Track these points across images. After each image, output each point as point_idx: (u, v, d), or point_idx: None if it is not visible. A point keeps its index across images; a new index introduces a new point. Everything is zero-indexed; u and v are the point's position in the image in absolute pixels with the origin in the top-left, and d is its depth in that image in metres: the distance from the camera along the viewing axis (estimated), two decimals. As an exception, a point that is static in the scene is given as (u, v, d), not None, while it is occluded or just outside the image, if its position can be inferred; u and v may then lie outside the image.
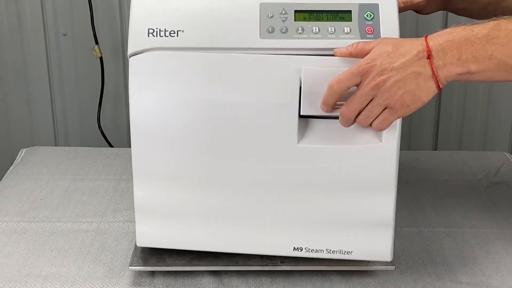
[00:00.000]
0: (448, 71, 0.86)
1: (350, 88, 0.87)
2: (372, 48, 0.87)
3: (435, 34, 0.87)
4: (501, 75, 0.86)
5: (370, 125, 0.89)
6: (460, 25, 0.87)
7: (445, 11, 1.18)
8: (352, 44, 0.89)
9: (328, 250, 0.97)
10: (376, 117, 0.88)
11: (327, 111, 0.90)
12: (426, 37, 0.87)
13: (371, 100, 0.87)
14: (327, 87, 0.88)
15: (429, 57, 0.85)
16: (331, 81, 0.87)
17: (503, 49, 0.84)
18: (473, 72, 0.86)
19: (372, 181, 0.93)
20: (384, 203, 0.94)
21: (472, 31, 0.85)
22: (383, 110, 0.87)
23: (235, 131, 0.93)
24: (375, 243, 0.96)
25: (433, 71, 0.85)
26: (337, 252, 0.97)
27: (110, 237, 1.12)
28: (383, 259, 0.97)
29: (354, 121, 0.90)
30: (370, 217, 0.95)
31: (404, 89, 0.85)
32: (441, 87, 0.87)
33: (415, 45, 0.86)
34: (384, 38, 0.90)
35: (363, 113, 0.88)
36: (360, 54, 0.88)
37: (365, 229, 0.95)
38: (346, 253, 0.97)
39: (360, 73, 0.86)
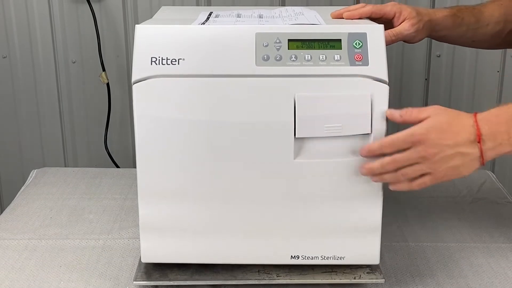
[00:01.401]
0: (498, 151, 0.88)
1: (398, 151, 0.88)
2: (425, 118, 0.88)
3: (484, 115, 0.88)
4: None
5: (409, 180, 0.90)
6: (504, 105, 0.88)
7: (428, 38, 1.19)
8: (407, 110, 0.89)
9: (323, 257, 0.97)
10: (416, 179, 0.89)
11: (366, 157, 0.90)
12: (476, 118, 0.87)
13: (416, 163, 0.88)
14: (379, 144, 0.89)
15: (479, 141, 0.86)
16: (385, 141, 0.88)
17: None
18: None
19: (361, 191, 0.94)
20: (372, 211, 0.95)
21: None
22: (424, 174, 0.89)
23: (235, 150, 0.93)
24: (364, 248, 0.97)
25: (481, 153, 0.87)
26: (331, 258, 0.97)
27: (116, 253, 1.10)
28: (371, 263, 0.98)
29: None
30: (360, 224, 0.96)
31: (450, 164, 0.87)
32: (484, 164, 0.88)
33: (467, 126, 0.87)
34: (437, 109, 0.89)
35: (404, 170, 0.89)
36: (413, 121, 0.89)
37: (356, 236, 0.96)
38: (339, 258, 0.97)
39: (413, 143, 0.87)
